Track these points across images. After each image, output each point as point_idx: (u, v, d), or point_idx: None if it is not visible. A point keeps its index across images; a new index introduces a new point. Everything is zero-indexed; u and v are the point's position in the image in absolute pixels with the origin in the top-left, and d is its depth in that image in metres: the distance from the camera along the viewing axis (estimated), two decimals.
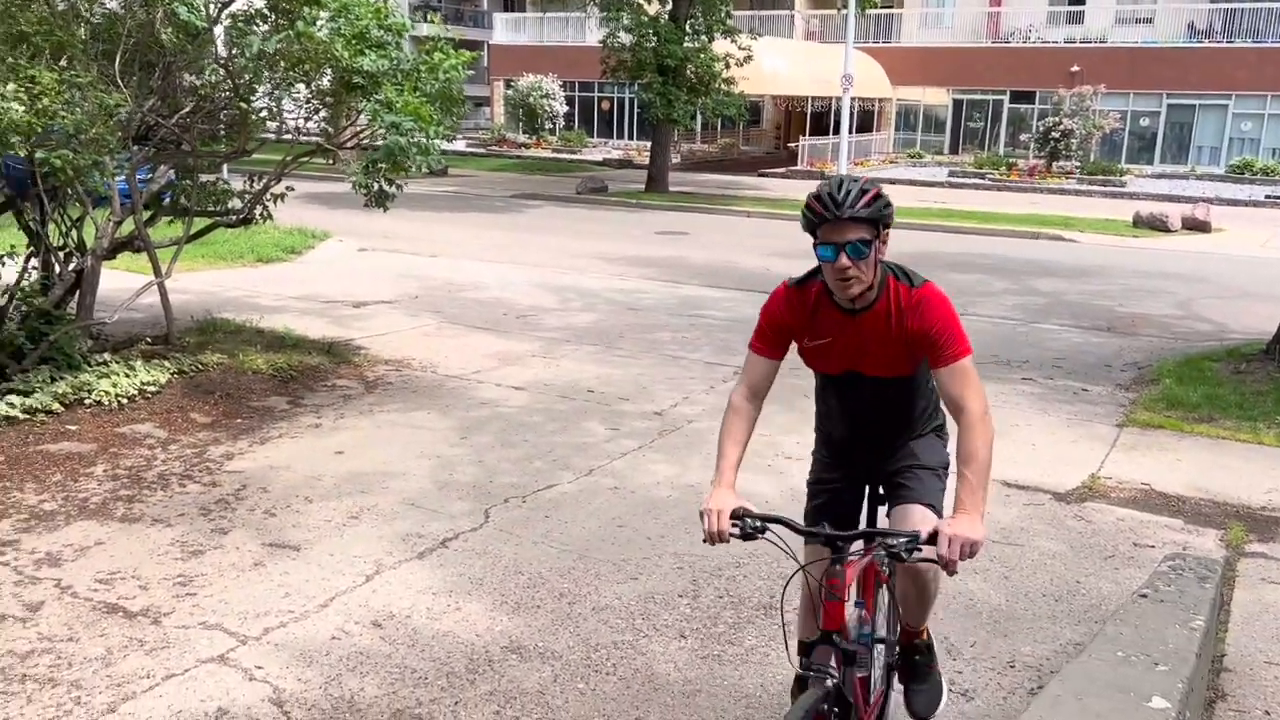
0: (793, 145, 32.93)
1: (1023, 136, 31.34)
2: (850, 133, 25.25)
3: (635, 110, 33.22)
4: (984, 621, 4.02)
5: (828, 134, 31.99)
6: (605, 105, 37.74)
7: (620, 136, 37.32)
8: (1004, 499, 5.32)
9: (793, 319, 2.71)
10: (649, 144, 25.07)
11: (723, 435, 2.73)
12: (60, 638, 3.62)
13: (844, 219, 2.45)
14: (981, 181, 26.82)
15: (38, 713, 3.17)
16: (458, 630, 3.80)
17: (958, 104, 34.74)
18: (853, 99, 24.92)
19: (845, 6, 21.63)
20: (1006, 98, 33.44)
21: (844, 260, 2.48)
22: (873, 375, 2.74)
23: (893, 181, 26.44)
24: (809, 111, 35.16)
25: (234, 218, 7.53)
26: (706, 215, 19.70)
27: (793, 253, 14.54)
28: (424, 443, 5.95)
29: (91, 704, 3.23)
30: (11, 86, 5.25)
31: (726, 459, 2.66)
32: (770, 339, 2.75)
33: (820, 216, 2.48)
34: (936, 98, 35.04)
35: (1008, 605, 4.17)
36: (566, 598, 4.10)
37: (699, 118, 26.20)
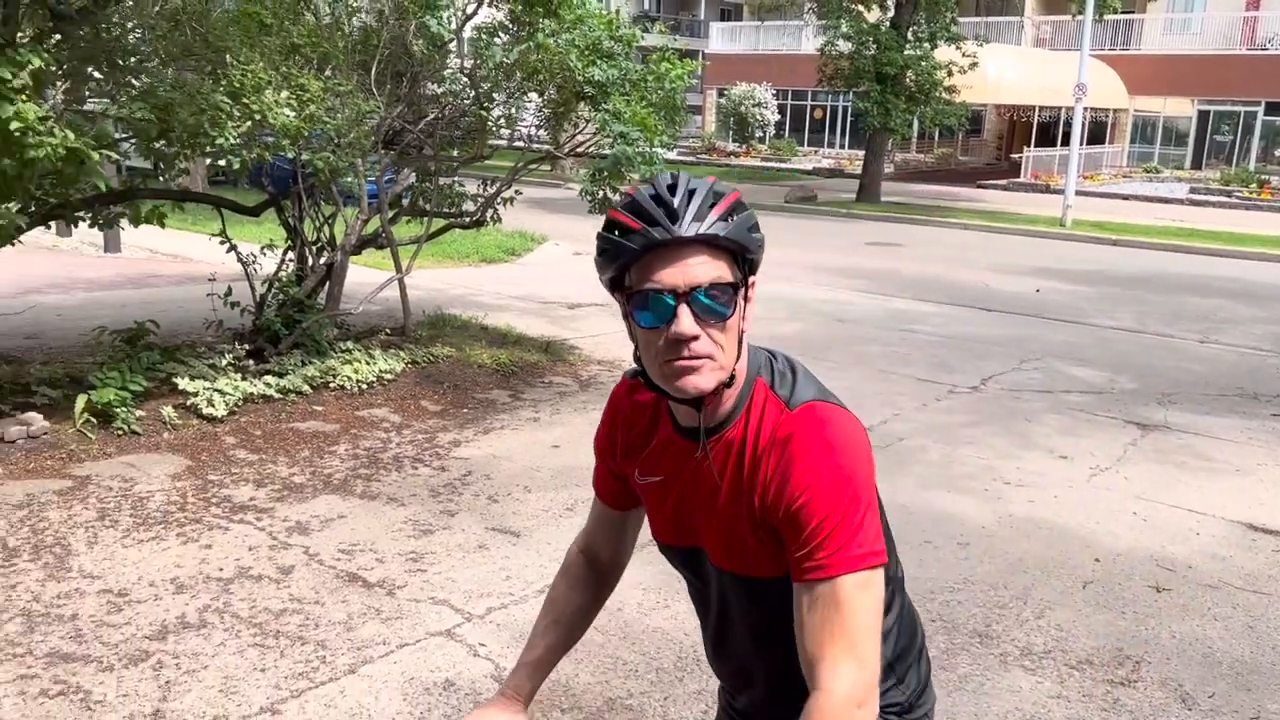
0: (1015, 156, 31.52)
1: (1278, 152, 28.74)
2: (1080, 144, 23.92)
3: (848, 119, 32.72)
4: (1224, 672, 3.74)
5: (1054, 145, 30.43)
6: (818, 113, 37.36)
7: (831, 145, 36.86)
8: (1250, 544, 4.92)
9: (621, 434, 1.62)
10: (861, 153, 24.65)
11: (543, 605, 1.76)
12: (308, 600, 3.96)
13: (684, 239, 1.34)
14: (1228, 199, 24.78)
15: (289, 666, 3.48)
16: (666, 627, 3.89)
17: (1203, 115, 32.22)
18: (1085, 109, 23.62)
19: (1081, 12, 20.46)
20: (1261, 109, 30.72)
21: (685, 323, 1.34)
22: (719, 566, 1.54)
23: (1127, 197, 24.89)
24: (1035, 121, 33.56)
25: (468, 219, 7.97)
26: (920, 227, 19.17)
27: (1014, 268, 14.00)
28: None
29: (335, 664, 3.52)
30: (285, 94, 5.77)
31: (529, 648, 1.67)
32: (600, 470, 1.71)
33: (639, 237, 1.35)
34: (1178, 108, 32.63)
35: (1251, 657, 3.86)
36: None
37: (916, 127, 25.53)
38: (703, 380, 1.37)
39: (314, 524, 4.68)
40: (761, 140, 34.96)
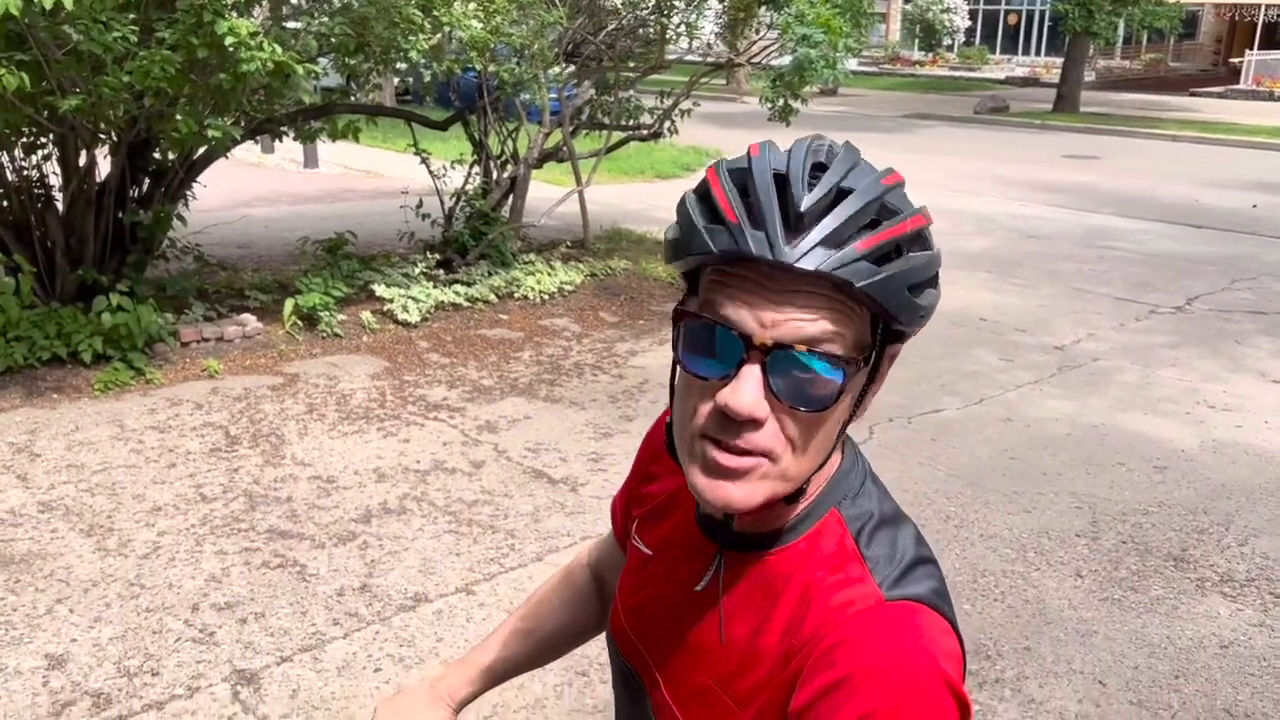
0: (1236, 61, 28.78)
1: None
2: None
3: (1046, 23, 30.61)
4: None
5: None
6: (1012, 19, 35.13)
7: (1026, 53, 34.65)
8: None
9: (637, 476, 1.19)
10: (1059, 60, 23.08)
11: (521, 606, 1.34)
12: (498, 493, 4.17)
13: (795, 271, 0.80)
14: None
15: (482, 551, 3.69)
16: None
17: None
18: None
19: None
20: None
21: (747, 394, 0.82)
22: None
23: None
24: (1260, 21, 30.45)
25: (645, 132, 7.98)
26: (1123, 138, 17.87)
27: (1228, 183, 12.91)
28: None
29: (523, 551, 3.71)
30: (471, 5, 5.89)
31: (482, 649, 1.28)
32: (622, 491, 1.24)
33: (726, 236, 0.82)
34: None
35: None
36: (953, 521, 4.05)
37: (1121, 30, 23.64)
38: (741, 492, 0.85)
39: (502, 423, 4.90)
40: (950, 48, 33.23)
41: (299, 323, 5.97)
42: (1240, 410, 5.27)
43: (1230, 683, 3.06)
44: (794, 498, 0.88)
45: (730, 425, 0.83)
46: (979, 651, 3.18)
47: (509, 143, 7.65)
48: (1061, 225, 10.19)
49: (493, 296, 6.71)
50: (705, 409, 0.84)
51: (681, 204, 0.87)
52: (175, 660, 3.03)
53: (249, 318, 5.93)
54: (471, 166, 7.64)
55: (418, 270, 6.68)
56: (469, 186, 7.50)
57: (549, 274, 7.09)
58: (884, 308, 0.82)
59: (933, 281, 0.87)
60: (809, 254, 0.79)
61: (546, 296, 6.87)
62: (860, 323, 0.84)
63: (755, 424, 0.82)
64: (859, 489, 0.94)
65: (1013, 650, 3.20)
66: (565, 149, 7.66)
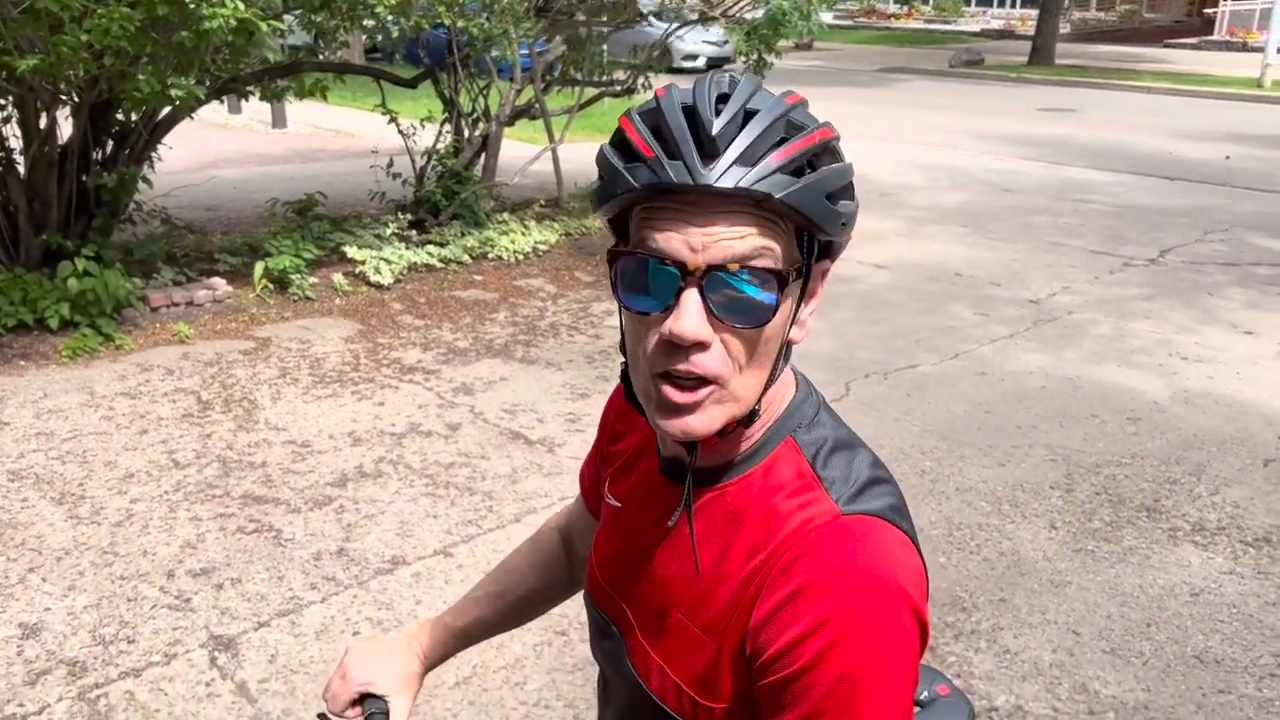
0: (1210, 11, 28.76)
1: None
2: None
3: None
4: None
5: None
6: None
7: (1001, 5, 34.47)
8: None
9: (605, 435, 1.20)
10: (1034, 12, 22.98)
11: (494, 570, 1.37)
12: (475, 455, 4.15)
13: (716, 191, 0.83)
14: None
15: (460, 514, 3.68)
16: None
17: None
18: None
19: None
20: None
21: (689, 319, 0.84)
22: (655, 680, 0.99)
23: None
24: None
25: (619, 88, 7.89)
26: (1097, 91, 17.86)
27: (1201, 134, 12.94)
28: None
29: (501, 513, 3.70)
30: None
31: (455, 611, 1.31)
32: (590, 459, 1.26)
33: (646, 171, 0.85)
34: None
35: None
36: (929, 475, 4.07)
37: None
38: (700, 421, 0.88)
39: (478, 385, 4.87)
40: (925, 1, 32.98)
41: (270, 286, 5.90)
42: (1212, 361, 5.31)
43: (1201, 630, 3.10)
44: (749, 420, 0.91)
45: (679, 353, 0.86)
46: (955, 604, 3.21)
47: (480, 100, 7.54)
48: (1036, 179, 10.20)
49: (466, 257, 6.65)
50: (653, 344, 0.87)
51: (600, 154, 0.89)
52: (151, 627, 3.01)
53: (219, 281, 5.85)
54: (442, 125, 7.53)
55: (389, 231, 6.60)
56: (440, 145, 7.40)
57: (523, 234, 7.03)
58: (807, 217, 0.85)
59: (848, 191, 0.90)
60: (726, 173, 0.82)
61: (521, 256, 6.82)
62: (787, 237, 0.87)
63: (702, 347, 0.86)
64: (813, 417, 0.97)
65: (988, 602, 3.23)
66: (537, 106, 7.56)
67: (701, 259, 0.84)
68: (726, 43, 16.77)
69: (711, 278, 0.84)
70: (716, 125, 0.83)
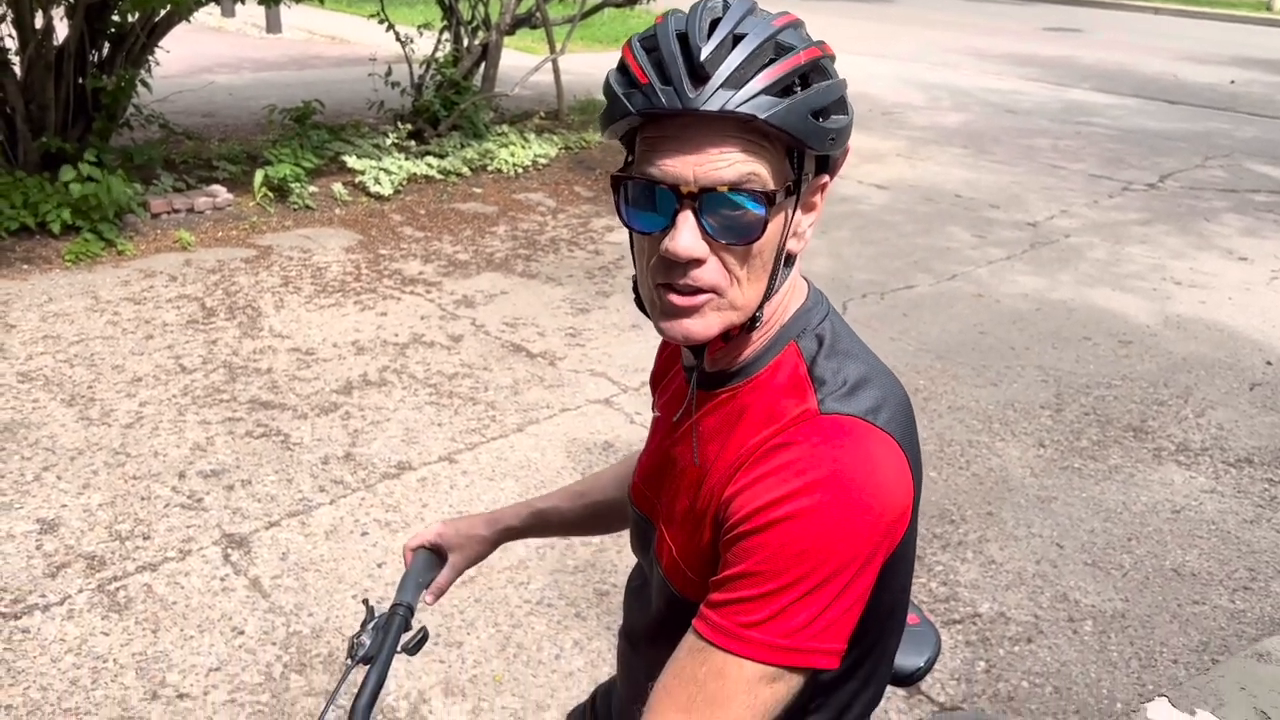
0: None
1: None
2: None
3: None
4: None
5: None
6: None
7: None
8: None
9: (662, 363, 1.26)
10: None
11: (583, 477, 1.56)
12: (477, 366, 4.22)
13: (705, 114, 0.88)
14: None
15: (464, 423, 3.76)
16: None
17: None
18: None
19: None
20: None
21: (685, 238, 0.91)
22: (665, 559, 1.08)
23: None
24: None
25: None
26: (1105, 10, 17.57)
27: (1208, 58, 12.79)
28: None
29: (504, 422, 3.78)
30: None
31: (543, 498, 1.45)
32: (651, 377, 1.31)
33: (641, 97, 0.90)
34: None
35: None
36: (922, 393, 4.15)
37: None
38: (698, 325, 0.95)
39: (479, 298, 4.91)
40: None
41: (269, 194, 5.89)
42: (1205, 287, 5.38)
43: (1179, 545, 3.22)
44: (751, 326, 0.98)
45: (677, 268, 0.93)
46: (943, 516, 3.32)
47: (480, 7, 7.42)
48: (1038, 100, 10.11)
49: (466, 169, 6.62)
50: (654, 259, 0.95)
51: (605, 81, 0.94)
52: (165, 525, 3.10)
53: (219, 189, 5.83)
54: (441, 33, 7.43)
55: (389, 141, 6.57)
56: (439, 54, 7.31)
57: (523, 146, 6.99)
58: (792, 135, 0.90)
59: (839, 106, 0.94)
60: (713, 97, 0.87)
61: (520, 170, 6.79)
62: (775, 155, 0.92)
63: (698, 263, 0.92)
64: (818, 324, 1.02)
65: (975, 515, 3.34)
66: (538, 14, 7.45)
67: (693, 180, 0.90)
68: None
69: (704, 199, 0.90)
70: (706, 50, 0.88)
